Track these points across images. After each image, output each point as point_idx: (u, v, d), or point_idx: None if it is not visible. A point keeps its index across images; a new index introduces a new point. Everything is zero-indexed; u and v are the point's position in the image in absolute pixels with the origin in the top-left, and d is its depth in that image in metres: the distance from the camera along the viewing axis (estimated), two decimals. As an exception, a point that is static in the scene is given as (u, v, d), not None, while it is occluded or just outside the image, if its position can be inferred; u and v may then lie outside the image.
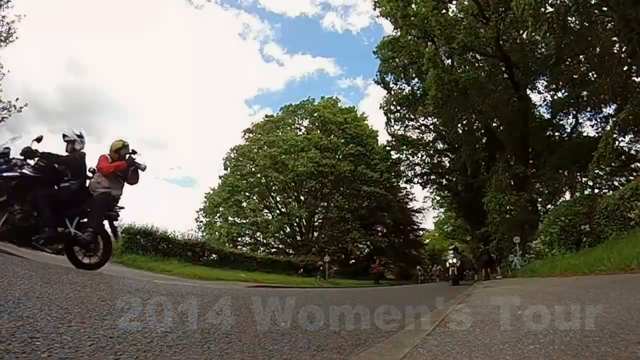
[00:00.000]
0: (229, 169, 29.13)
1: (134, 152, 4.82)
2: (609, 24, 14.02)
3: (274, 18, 68.11)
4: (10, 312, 1.34)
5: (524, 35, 19.66)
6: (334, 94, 78.65)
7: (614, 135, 12.35)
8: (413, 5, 18.55)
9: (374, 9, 20.91)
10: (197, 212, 28.06)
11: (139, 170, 4.73)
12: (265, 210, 28.93)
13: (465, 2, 19.57)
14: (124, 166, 4.62)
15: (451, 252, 15.32)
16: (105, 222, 4.51)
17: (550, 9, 13.51)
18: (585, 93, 19.59)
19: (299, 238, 27.89)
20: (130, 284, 3.35)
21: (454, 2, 19.62)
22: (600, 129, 19.24)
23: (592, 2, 13.30)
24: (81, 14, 65.42)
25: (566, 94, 20.69)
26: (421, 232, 35.80)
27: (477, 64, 21.62)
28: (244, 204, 27.76)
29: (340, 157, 27.59)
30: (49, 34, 61.96)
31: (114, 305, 1.92)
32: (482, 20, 17.99)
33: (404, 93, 25.44)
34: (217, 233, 25.91)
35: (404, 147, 27.27)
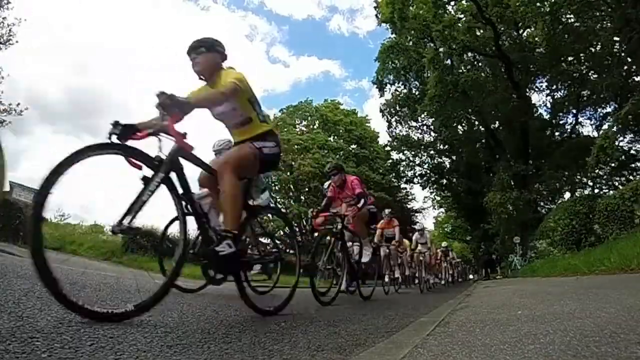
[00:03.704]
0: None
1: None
2: (609, 23, 14.04)
3: (280, 20, 68.09)
4: (10, 312, 1.34)
5: (524, 35, 19.68)
6: (339, 95, 78.97)
7: (614, 130, 12.36)
8: (412, 7, 18.59)
9: (376, 16, 21.04)
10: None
11: None
12: (264, 211, 29.03)
13: (464, 3, 19.59)
14: None
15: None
16: None
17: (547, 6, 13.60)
18: (585, 92, 19.60)
19: (299, 238, 27.92)
20: (131, 283, 3.35)
21: (452, 2, 19.64)
22: (600, 128, 19.25)
23: (592, 1, 13.34)
24: (86, 15, 65.33)
25: (566, 93, 20.70)
26: (421, 232, 35.72)
27: (477, 64, 21.64)
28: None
29: (344, 158, 27.64)
30: (53, 34, 61.93)
31: (114, 305, 1.92)
32: (482, 20, 18.00)
33: (404, 94, 25.49)
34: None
35: (405, 147, 27.31)
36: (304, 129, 30.54)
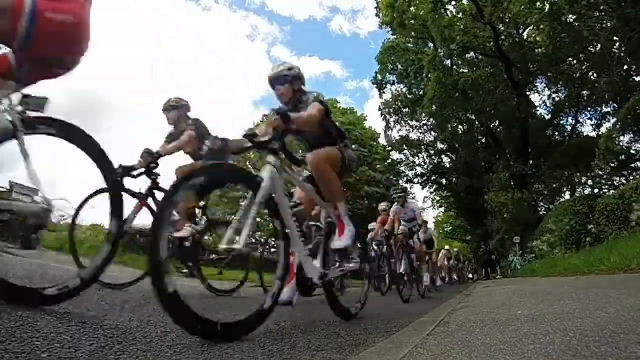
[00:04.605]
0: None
1: None
2: (609, 23, 14.06)
3: (282, 21, 68.29)
4: (10, 312, 1.34)
5: (524, 35, 19.68)
6: (341, 95, 79.26)
7: (617, 128, 12.38)
8: (412, 8, 18.62)
9: (377, 16, 21.07)
10: (197, 212, 28.19)
11: None
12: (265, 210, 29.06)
13: (464, 3, 19.60)
14: None
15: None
16: None
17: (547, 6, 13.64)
18: (585, 93, 19.62)
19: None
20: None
21: (453, 3, 19.65)
22: (600, 127, 19.27)
23: (591, 1, 13.37)
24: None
25: (566, 93, 20.71)
26: (421, 232, 35.70)
27: (477, 65, 21.66)
28: (243, 204, 27.87)
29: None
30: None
31: (114, 305, 1.92)
32: (481, 20, 18.01)
33: (403, 95, 25.49)
34: (217, 233, 26.02)
35: (405, 148, 27.29)
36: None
